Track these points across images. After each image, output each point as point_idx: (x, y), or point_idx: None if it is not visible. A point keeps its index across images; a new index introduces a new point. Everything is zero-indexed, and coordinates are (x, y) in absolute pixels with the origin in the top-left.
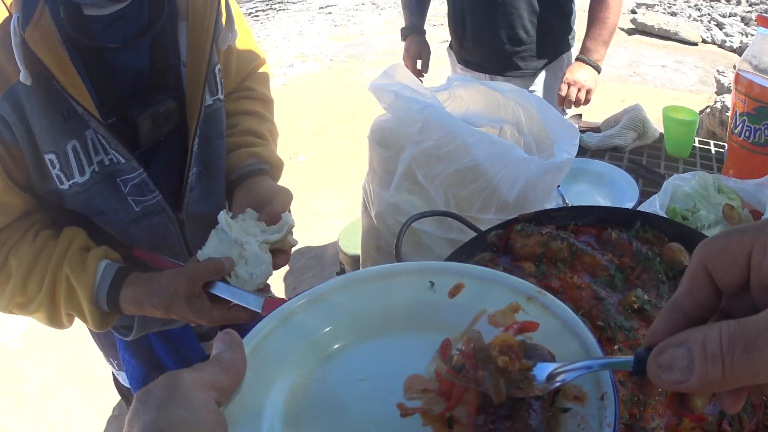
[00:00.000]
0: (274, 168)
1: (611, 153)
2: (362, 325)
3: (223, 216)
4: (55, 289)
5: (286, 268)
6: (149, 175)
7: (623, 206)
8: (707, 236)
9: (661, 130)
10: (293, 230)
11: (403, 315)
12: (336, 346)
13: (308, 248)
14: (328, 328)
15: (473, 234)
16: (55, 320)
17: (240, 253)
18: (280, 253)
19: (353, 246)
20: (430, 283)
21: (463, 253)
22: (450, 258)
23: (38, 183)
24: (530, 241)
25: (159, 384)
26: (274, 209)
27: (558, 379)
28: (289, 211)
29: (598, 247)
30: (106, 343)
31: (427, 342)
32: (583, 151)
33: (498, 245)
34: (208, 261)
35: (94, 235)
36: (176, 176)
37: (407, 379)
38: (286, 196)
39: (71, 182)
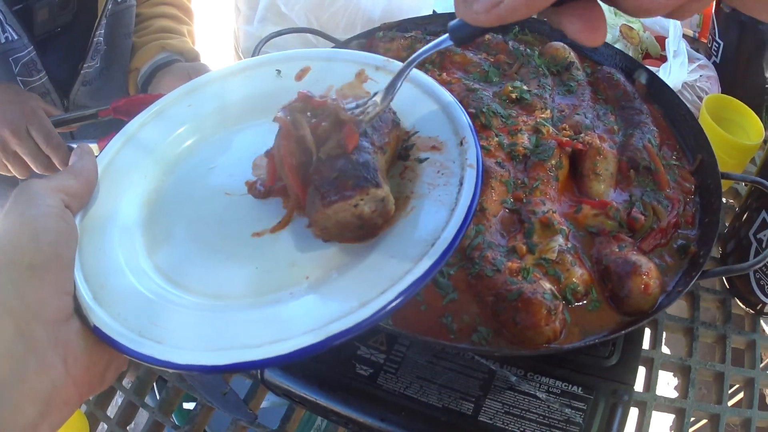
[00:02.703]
0: (189, 60)
1: None
2: (212, 121)
3: None
4: None
5: None
6: (39, 56)
7: None
8: None
9: None
10: None
11: (252, 105)
12: (187, 143)
13: None
14: (179, 130)
15: None
16: None
17: None
18: None
19: None
20: (276, 71)
21: None
22: None
23: None
24: (393, 46)
25: (12, 194)
26: None
27: (396, 85)
28: None
29: (471, 49)
30: None
31: (276, 126)
32: None
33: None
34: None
35: None
36: (72, 65)
37: (256, 158)
38: (204, 70)
39: None
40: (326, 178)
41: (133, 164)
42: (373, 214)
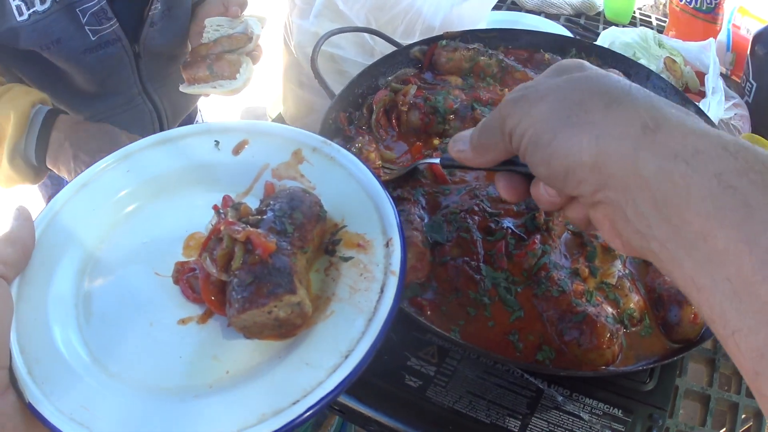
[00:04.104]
0: None
1: (546, 16)
2: (150, 189)
3: None
4: None
5: None
6: (109, 3)
7: None
8: (644, 66)
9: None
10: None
11: (190, 176)
12: (126, 211)
13: None
14: (119, 195)
15: None
16: None
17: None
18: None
19: None
20: (215, 142)
21: (383, 66)
22: (369, 69)
23: None
24: (456, 56)
25: None
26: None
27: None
28: (258, 20)
29: (530, 67)
30: None
31: (213, 200)
32: (518, 9)
33: (422, 60)
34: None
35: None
36: (138, 10)
37: (187, 237)
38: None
39: (31, 11)
40: (243, 282)
41: (71, 229)
42: (290, 316)
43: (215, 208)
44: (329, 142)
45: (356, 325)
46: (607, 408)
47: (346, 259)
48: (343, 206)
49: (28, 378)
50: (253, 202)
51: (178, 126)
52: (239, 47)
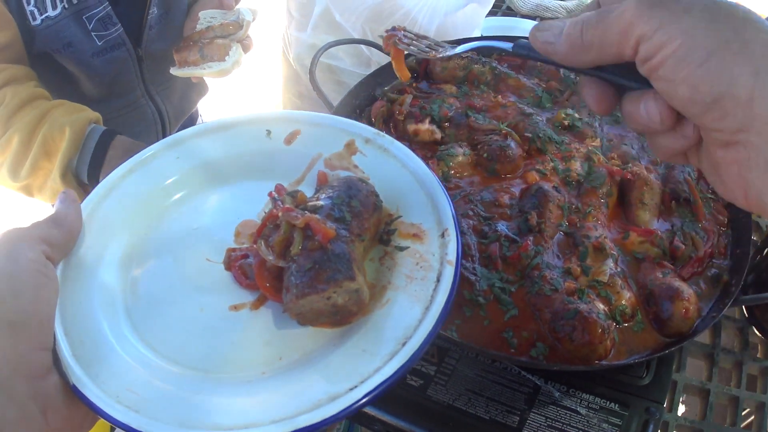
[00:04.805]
0: None
1: (542, 20)
2: (200, 176)
3: None
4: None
5: None
6: (113, 8)
7: None
8: None
9: None
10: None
11: (241, 164)
12: (174, 198)
13: None
14: (167, 182)
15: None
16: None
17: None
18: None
19: None
20: (266, 132)
21: (379, 76)
22: (367, 80)
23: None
24: (450, 65)
25: None
26: None
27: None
28: (251, 11)
29: (523, 73)
30: None
31: (264, 188)
32: (513, 15)
33: (417, 70)
34: None
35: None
36: (138, 14)
37: (239, 224)
38: None
39: (44, 16)
40: (302, 267)
41: (117, 214)
42: (348, 303)
43: (270, 195)
44: (382, 133)
45: (413, 313)
46: (603, 402)
47: (402, 249)
48: (397, 197)
49: (72, 360)
50: (306, 192)
51: (179, 128)
52: (230, 33)
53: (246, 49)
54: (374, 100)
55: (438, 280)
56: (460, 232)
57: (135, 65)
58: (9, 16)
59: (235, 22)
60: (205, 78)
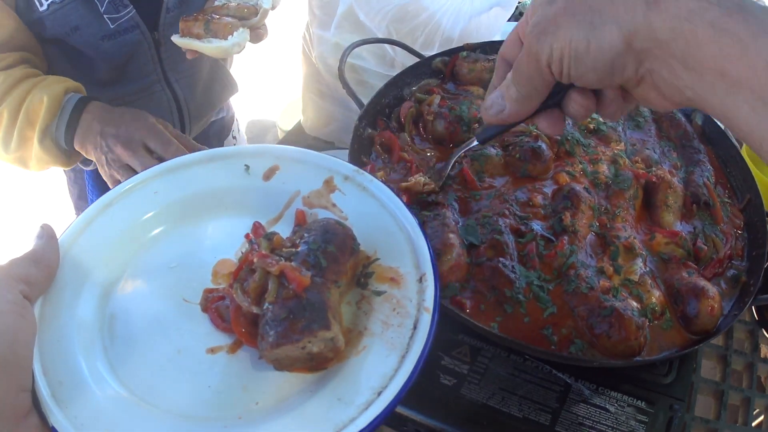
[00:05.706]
0: None
1: None
2: (178, 212)
3: None
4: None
5: None
6: None
7: None
8: None
9: None
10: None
11: (219, 199)
12: (152, 234)
13: None
14: (145, 217)
15: None
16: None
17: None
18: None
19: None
20: (245, 167)
21: (407, 76)
22: (395, 80)
23: (23, 10)
24: (477, 67)
25: None
26: None
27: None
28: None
29: None
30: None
31: (242, 225)
32: None
33: (443, 71)
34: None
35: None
36: None
37: (216, 263)
38: None
39: (50, 1)
40: (277, 316)
41: (95, 250)
42: (323, 350)
43: (247, 237)
44: (361, 171)
45: (389, 362)
46: (631, 400)
47: (379, 293)
48: (375, 238)
49: (51, 401)
50: (283, 230)
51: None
52: (244, 17)
53: (258, 37)
54: (402, 101)
55: (415, 328)
56: (438, 278)
57: (151, 49)
58: (8, 9)
59: (252, 7)
60: (227, 70)
